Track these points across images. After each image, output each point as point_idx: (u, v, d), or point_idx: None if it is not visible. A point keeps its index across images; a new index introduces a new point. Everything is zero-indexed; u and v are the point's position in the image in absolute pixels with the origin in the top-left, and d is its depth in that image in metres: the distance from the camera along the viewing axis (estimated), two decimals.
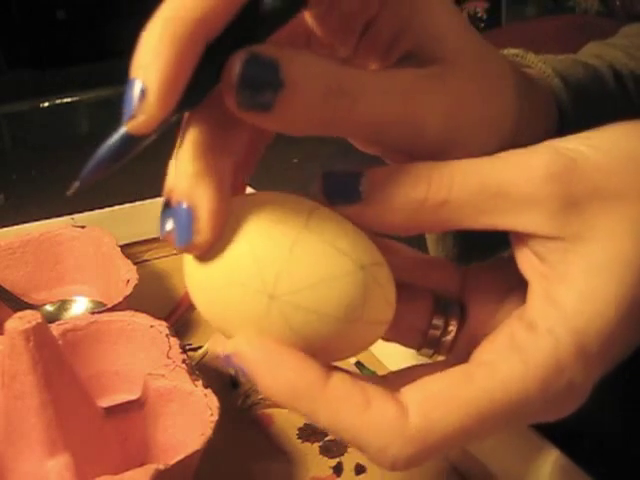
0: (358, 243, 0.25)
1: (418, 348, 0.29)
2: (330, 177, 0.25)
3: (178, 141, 0.25)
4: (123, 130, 0.22)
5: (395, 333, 0.29)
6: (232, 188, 0.25)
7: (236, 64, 0.23)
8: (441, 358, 0.29)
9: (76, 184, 0.24)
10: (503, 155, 0.25)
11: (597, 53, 0.41)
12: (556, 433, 0.37)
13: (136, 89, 0.22)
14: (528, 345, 0.24)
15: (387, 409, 0.23)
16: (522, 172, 0.24)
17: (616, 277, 0.24)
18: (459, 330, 0.29)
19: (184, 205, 0.23)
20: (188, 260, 0.25)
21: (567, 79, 0.36)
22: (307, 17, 0.28)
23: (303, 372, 0.24)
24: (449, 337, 0.29)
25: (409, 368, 0.27)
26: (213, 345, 0.27)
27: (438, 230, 0.25)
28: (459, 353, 0.28)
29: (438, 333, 0.29)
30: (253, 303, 0.24)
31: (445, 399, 0.24)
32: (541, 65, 0.37)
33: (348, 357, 0.26)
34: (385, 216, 0.25)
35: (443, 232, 0.44)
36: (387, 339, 0.29)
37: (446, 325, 0.29)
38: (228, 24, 0.23)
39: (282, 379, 0.23)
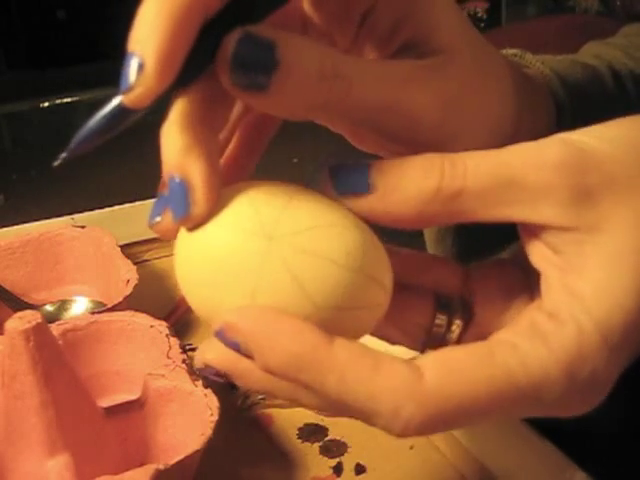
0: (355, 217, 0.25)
1: (422, 349, 0.28)
2: (337, 170, 0.25)
3: (166, 119, 0.25)
4: (116, 101, 0.22)
5: (398, 333, 0.28)
6: (234, 181, 0.25)
7: (231, 42, 0.23)
8: None
9: (63, 155, 0.24)
10: (513, 147, 0.25)
11: (596, 53, 0.41)
12: (556, 433, 0.37)
13: (133, 62, 0.22)
14: (551, 331, 0.24)
15: (400, 370, 0.22)
16: (535, 162, 0.24)
17: (634, 267, 0.24)
18: (466, 328, 0.28)
19: (177, 178, 0.23)
20: (181, 240, 0.25)
21: (565, 79, 0.36)
22: (305, 4, 0.29)
23: (304, 337, 0.22)
24: (454, 335, 0.28)
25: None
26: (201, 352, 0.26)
27: (449, 222, 0.25)
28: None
29: (442, 331, 0.28)
30: (253, 248, 0.23)
31: (463, 369, 0.23)
32: (539, 65, 0.37)
33: (351, 324, 0.25)
34: (396, 208, 0.24)
35: (446, 228, 0.44)
36: (391, 341, 0.29)
37: (450, 323, 0.28)
38: (225, 4, 0.23)
39: (282, 347, 0.22)
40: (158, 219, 0.25)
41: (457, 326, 0.28)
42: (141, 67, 0.22)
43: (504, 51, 0.38)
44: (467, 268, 0.30)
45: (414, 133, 0.27)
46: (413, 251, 0.29)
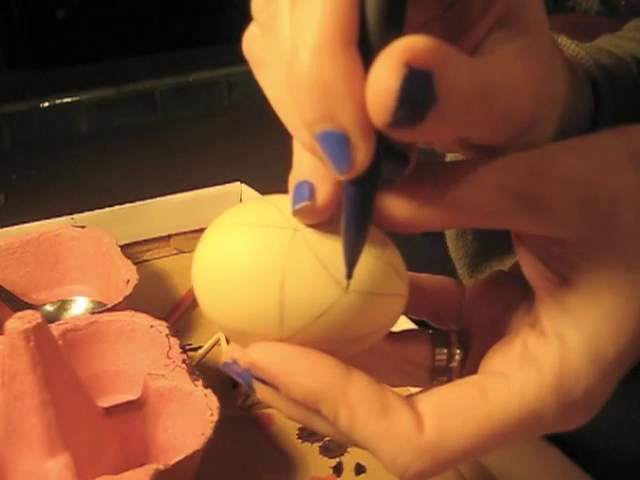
0: None
1: (431, 382, 0.29)
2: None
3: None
4: (349, 187, 0.22)
5: (404, 378, 0.29)
6: None
7: (392, 80, 0.19)
8: None
9: (347, 270, 0.23)
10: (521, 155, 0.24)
11: (616, 44, 0.41)
12: (556, 433, 0.37)
13: (336, 140, 0.20)
14: (539, 352, 0.24)
15: (404, 419, 0.23)
16: (541, 175, 0.23)
17: (629, 280, 0.24)
18: (467, 353, 0.28)
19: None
20: (203, 242, 0.25)
21: (599, 63, 0.36)
22: None
23: (322, 375, 0.23)
24: (456, 364, 0.28)
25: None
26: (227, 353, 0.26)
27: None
28: (472, 371, 0.27)
29: (444, 364, 0.28)
30: (279, 239, 0.24)
31: (460, 414, 0.23)
32: (574, 47, 0.36)
33: (377, 311, 0.25)
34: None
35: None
36: (395, 385, 0.29)
37: (450, 356, 0.28)
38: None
39: (301, 384, 0.23)
40: (305, 203, 0.23)
41: (458, 355, 0.28)
42: (346, 142, 0.20)
43: None
44: (464, 286, 0.30)
45: (509, 124, 0.25)
46: (410, 273, 0.29)
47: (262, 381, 0.24)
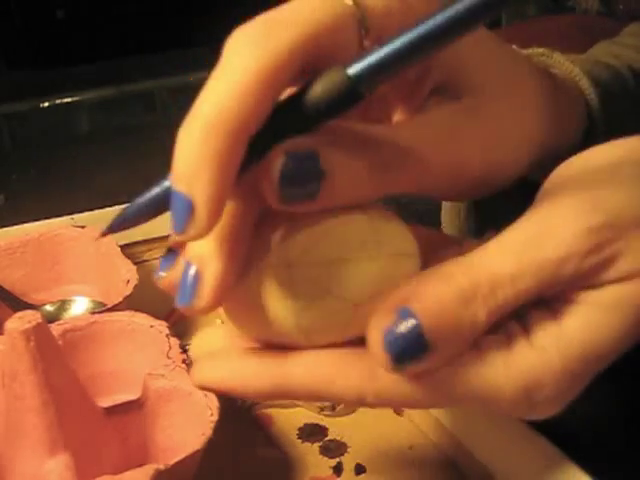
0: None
1: None
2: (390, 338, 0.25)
3: None
4: (162, 189, 0.24)
5: None
6: None
7: (275, 164, 0.22)
8: None
9: (104, 230, 0.26)
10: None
11: (615, 53, 0.41)
12: (556, 433, 0.37)
13: (182, 202, 0.22)
14: (517, 354, 0.25)
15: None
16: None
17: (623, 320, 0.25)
18: None
19: (192, 268, 0.25)
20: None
21: (595, 79, 0.36)
22: None
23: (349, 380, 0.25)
24: None
25: None
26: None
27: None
28: None
29: None
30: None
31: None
32: (568, 65, 0.36)
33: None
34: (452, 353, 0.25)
35: (463, 204, 0.45)
36: None
37: None
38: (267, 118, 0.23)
39: (338, 395, 0.25)
40: (162, 274, 0.26)
41: None
42: (191, 209, 0.22)
43: (532, 50, 0.38)
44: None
45: (458, 181, 0.27)
46: (425, 229, 0.30)
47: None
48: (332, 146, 0.23)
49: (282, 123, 0.23)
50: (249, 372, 0.25)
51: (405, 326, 0.24)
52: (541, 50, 0.37)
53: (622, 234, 0.24)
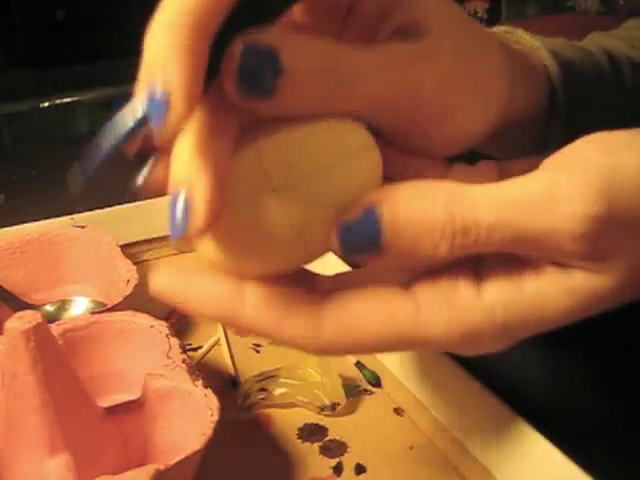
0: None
1: None
2: (344, 228, 0.25)
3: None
4: (134, 117, 0.23)
5: None
6: None
7: (235, 54, 0.23)
8: None
9: (81, 178, 0.24)
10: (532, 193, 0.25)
11: (594, 40, 0.42)
12: (557, 433, 0.37)
13: (158, 95, 0.22)
14: (461, 304, 0.25)
15: (301, 322, 0.25)
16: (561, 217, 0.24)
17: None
18: None
19: (181, 192, 0.23)
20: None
21: (557, 53, 0.37)
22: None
23: (219, 304, 0.25)
24: None
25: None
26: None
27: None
28: None
29: None
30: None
31: (361, 330, 0.25)
32: (529, 39, 0.37)
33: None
34: (403, 263, 0.25)
35: None
36: None
37: None
38: (227, 15, 0.23)
39: (204, 313, 0.25)
40: (142, 178, 0.25)
41: None
42: (166, 103, 0.22)
43: (496, 28, 0.39)
44: (451, 164, 0.31)
45: (416, 114, 0.27)
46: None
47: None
48: (291, 43, 0.24)
49: (244, 15, 0.23)
50: (202, 294, 0.25)
51: (366, 223, 0.24)
52: (505, 27, 0.38)
53: (616, 232, 0.24)
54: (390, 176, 0.28)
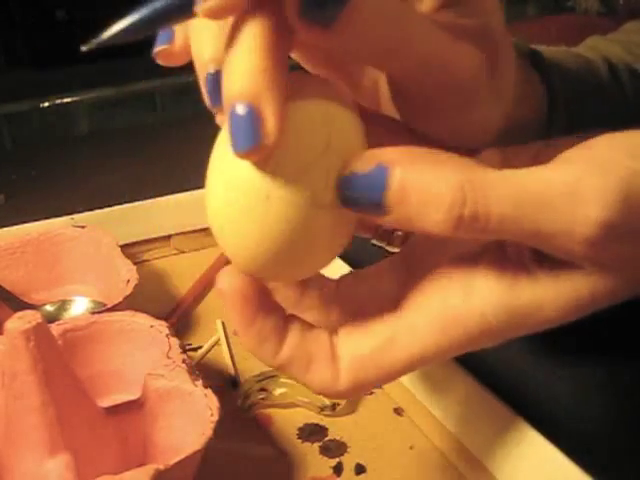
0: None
1: (372, 237, 0.32)
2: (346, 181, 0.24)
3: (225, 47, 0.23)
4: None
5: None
6: None
7: None
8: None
9: (96, 40, 0.24)
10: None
11: (592, 46, 0.42)
12: (557, 433, 0.37)
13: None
14: (457, 314, 0.26)
15: (323, 374, 0.27)
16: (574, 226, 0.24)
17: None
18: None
19: (244, 106, 0.22)
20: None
21: (559, 65, 0.37)
22: None
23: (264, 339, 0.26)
24: (397, 239, 0.31)
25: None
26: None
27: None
28: (412, 246, 0.30)
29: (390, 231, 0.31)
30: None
31: (371, 365, 0.26)
32: (525, 49, 0.37)
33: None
34: (408, 224, 0.25)
35: None
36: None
37: (390, 240, 0.30)
38: None
39: (250, 332, 0.26)
40: (164, 46, 0.25)
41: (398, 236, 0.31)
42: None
43: None
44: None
45: (444, 100, 0.27)
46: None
47: None
48: None
49: None
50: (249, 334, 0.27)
51: (375, 178, 0.23)
52: None
53: (626, 239, 0.24)
54: None
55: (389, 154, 0.24)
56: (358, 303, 0.30)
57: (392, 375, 0.27)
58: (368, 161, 0.24)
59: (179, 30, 0.26)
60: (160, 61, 0.26)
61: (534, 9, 2.72)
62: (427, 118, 0.28)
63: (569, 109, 0.36)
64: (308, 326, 0.27)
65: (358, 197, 0.24)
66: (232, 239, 0.25)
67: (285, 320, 0.27)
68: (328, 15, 0.22)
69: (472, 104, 0.28)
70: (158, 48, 0.26)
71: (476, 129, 0.29)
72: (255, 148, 0.22)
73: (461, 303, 0.26)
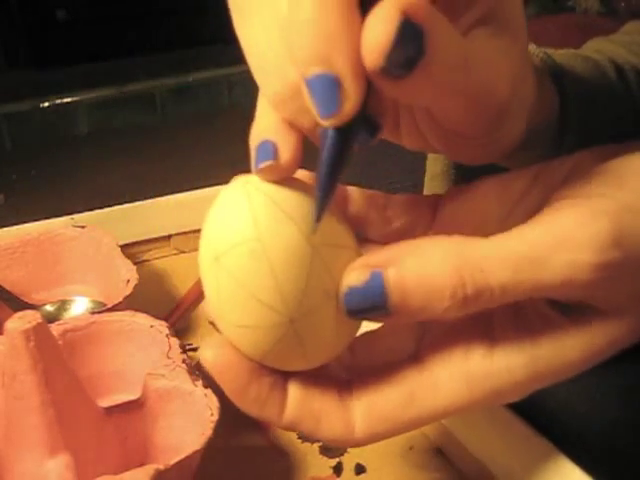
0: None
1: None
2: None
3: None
4: (330, 132, 0.22)
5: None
6: None
7: (390, 25, 0.20)
8: None
9: (317, 215, 0.23)
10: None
11: (598, 48, 0.41)
12: (557, 433, 0.37)
13: (326, 83, 0.21)
14: (482, 370, 0.26)
15: (335, 426, 0.26)
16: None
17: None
18: None
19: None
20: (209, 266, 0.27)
21: (568, 70, 0.36)
22: None
23: (262, 401, 0.26)
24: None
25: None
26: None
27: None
28: None
29: None
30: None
31: (390, 419, 0.26)
32: (541, 54, 0.37)
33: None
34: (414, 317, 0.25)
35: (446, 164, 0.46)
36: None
37: None
38: None
39: (247, 399, 0.26)
40: (269, 162, 0.24)
41: None
42: (338, 86, 0.21)
43: None
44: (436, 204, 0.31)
45: (478, 120, 0.27)
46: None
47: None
48: (436, 27, 0.21)
49: None
50: (248, 398, 0.26)
51: (372, 288, 0.24)
52: None
53: (631, 275, 0.24)
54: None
55: (377, 257, 0.24)
56: (374, 360, 0.29)
57: (411, 428, 0.26)
58: (362, 271, 0.24)
59: (285, 142, 0.24)
60: (262, 177, 0.25)
61: (534, 9, 2.72)
62: (457, 139, 0.28)
63: (580, 114, 0.36)
64: (309, 380, 0.27)
65: (363, 308, 0.24)
66: (233, 329, 0.25)
67: (281, 377, 0.26)
68: (405, 67, 0.21)
69: (502, 121, 0.27)
70: (263, 165, 0.24)
71: (503, 144, 0.29)
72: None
73: (483, 359, 0.26)
